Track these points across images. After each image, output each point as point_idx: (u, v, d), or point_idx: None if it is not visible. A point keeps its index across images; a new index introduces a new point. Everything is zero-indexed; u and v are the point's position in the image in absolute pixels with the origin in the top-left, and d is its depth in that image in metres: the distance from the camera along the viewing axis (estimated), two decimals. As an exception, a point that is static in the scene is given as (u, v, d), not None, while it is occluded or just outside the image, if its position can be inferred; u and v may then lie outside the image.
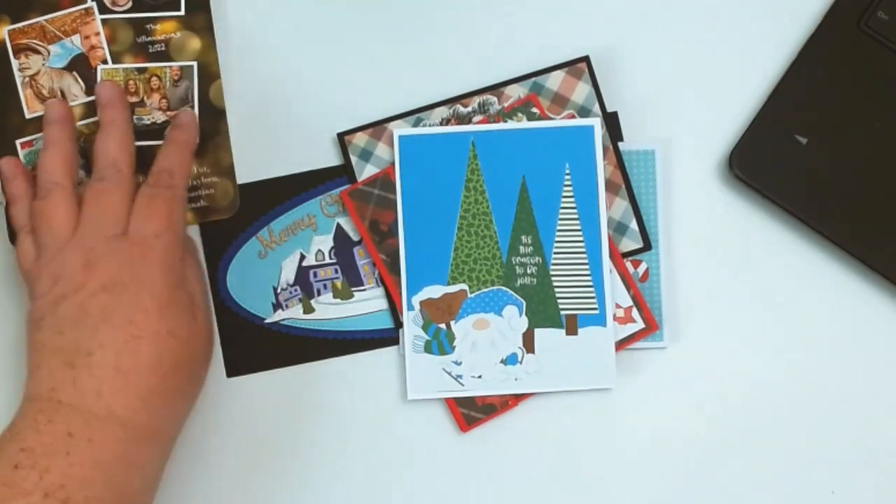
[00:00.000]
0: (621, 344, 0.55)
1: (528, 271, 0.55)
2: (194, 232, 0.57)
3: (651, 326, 0.55)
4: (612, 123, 0.57)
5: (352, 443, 0.56)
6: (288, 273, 0.57)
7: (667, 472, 0.55)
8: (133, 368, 0.47)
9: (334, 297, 0.56)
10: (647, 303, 0.55)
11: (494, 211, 0.55)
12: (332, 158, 0.58)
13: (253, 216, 0.57)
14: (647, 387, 0.56)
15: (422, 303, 0.55)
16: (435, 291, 0.55)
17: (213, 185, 0.57)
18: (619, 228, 0.56)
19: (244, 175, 0.58)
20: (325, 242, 0.57)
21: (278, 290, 0.57)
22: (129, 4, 0.58)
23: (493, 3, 0.59)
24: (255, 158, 0.58)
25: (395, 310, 0.56)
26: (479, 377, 0.54)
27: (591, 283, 0.55)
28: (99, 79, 0.57)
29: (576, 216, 0.55)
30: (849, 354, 0.56)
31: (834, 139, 0.56)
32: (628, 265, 0.56)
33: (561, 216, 0.55)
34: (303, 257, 0.57)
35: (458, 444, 0.56)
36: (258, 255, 0.57)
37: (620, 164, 0.57)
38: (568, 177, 0.55)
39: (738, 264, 0.57)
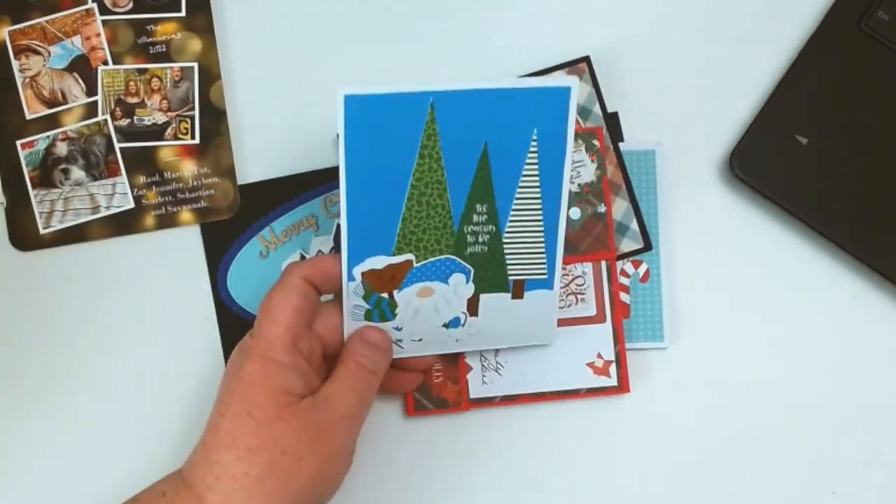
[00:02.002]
0: (585, 393, 0.55)
1: (480, 240, 0.51)
2: (195, 232, 0.57)
3: (622, 388, 0.55)
4: (612, 123, 0.57)
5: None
6: (289, 273, 0.57)
7: (666, 471, 0.55)
8: (213, 445, 0.46)
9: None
10: (627, 363, 0.55)
11: (450, 179, 0.49)
12: (332, 159, 0.58)
13: (254, 217, 0.57)
14: (646, 387, 0.56)
15: (363, 274, 0.50)
16: (378, 262, 0.51)
17: (214, 186, 0.57)
18: (619, 229, 0.56)
19: (245, 175, 0.58)
20: (325, 243, 0.57)
21: (279, 291, 0.57)
22: (130, 5, 0.58)
23: (494, 3, 0.59)
24: (255, 159, 0.58)
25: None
26: (420, 340, 0.53)
27: (543, 251, 0.52)
28: (100, 79, 0.58)
29: (537, 184, 0.50)
30: (849, 354, 0.56)
31: (834, 139, 0.56)
32: (629, 266, 0.56)
33: (521, 184, 0.50)
34: (303, 258, 0.57)
35: (405, 428, 0.56)
36: (259, 255, 0.57)
37: (621, 164, 0.57)
38: (534, 143, 0.49)
39: (738, 264, 0.57)
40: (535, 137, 0.49)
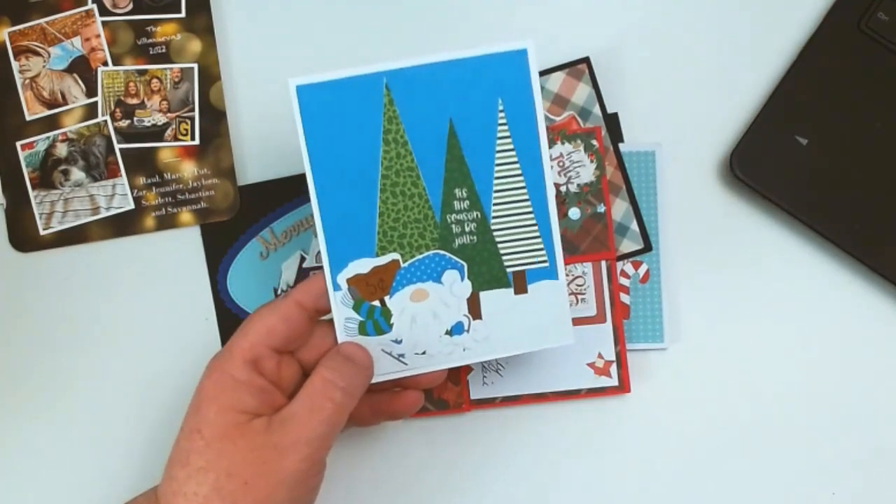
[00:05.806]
0: (586, 393, 0.55)
1: (467, 229, 0.48)
2: (195, 233, 0.57)
3: (624, 388, 0.55)
4: (612, 124, 0.57)
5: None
6: (288, 274, 0.57)
7: (666, 472, 0.55)
8: (172, 461, 0.46)
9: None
10: (628, 363, 0.55)
11: (421, 164, 0.47)
12: (332, 159, 0.58)
13: (254, 218, 0.57)
14: (646, 387, 0.56)
15: (349, 280, 0.48)
16: (363, 266, 0.48)
17: (214, 187, 0.57)
18: (619, 229, 0.56)
19: (245, 176, 0.58)
20: (325, 244, 0.57)
21: (279, 292, 0.57)
22: (130, 6, 0.58)
23: (494, 4, 0.59)
24: (255, 160, 0.58)
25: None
26: (424, 353, 0.49)
27: (537, 234, 0.48)
28: (100, 81, 0.57)
29: (515, 159, 0.47)
30: (849, 355, 0.56)
31: (834, 139, 0.56)
32: (629, 267, 0.56)
33: (498, 161, 0.47)
34: (303, 258, 0.57)
35: (405, 429, 0.56)
36: (259, 256, 0.57)
37: (621, 164, 0.57)
38: (502, 114, 0.47)
39: (738, 265, 0.57)
40: (501, 108, 0.47)
